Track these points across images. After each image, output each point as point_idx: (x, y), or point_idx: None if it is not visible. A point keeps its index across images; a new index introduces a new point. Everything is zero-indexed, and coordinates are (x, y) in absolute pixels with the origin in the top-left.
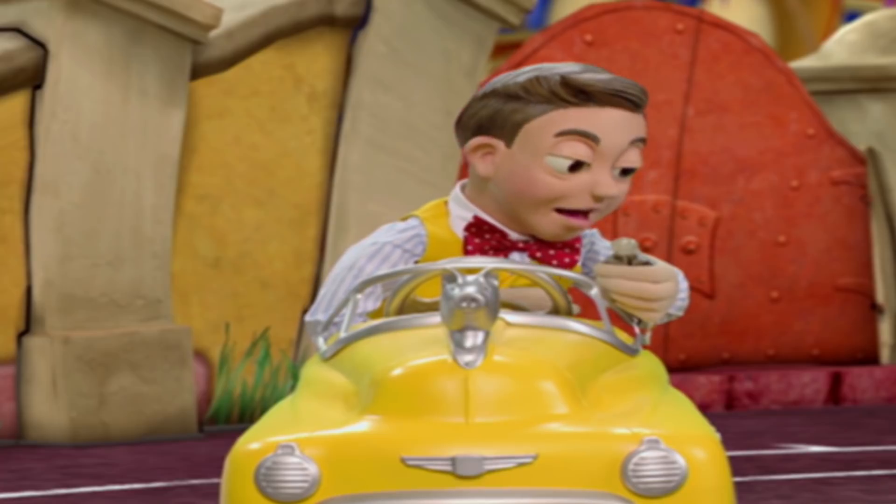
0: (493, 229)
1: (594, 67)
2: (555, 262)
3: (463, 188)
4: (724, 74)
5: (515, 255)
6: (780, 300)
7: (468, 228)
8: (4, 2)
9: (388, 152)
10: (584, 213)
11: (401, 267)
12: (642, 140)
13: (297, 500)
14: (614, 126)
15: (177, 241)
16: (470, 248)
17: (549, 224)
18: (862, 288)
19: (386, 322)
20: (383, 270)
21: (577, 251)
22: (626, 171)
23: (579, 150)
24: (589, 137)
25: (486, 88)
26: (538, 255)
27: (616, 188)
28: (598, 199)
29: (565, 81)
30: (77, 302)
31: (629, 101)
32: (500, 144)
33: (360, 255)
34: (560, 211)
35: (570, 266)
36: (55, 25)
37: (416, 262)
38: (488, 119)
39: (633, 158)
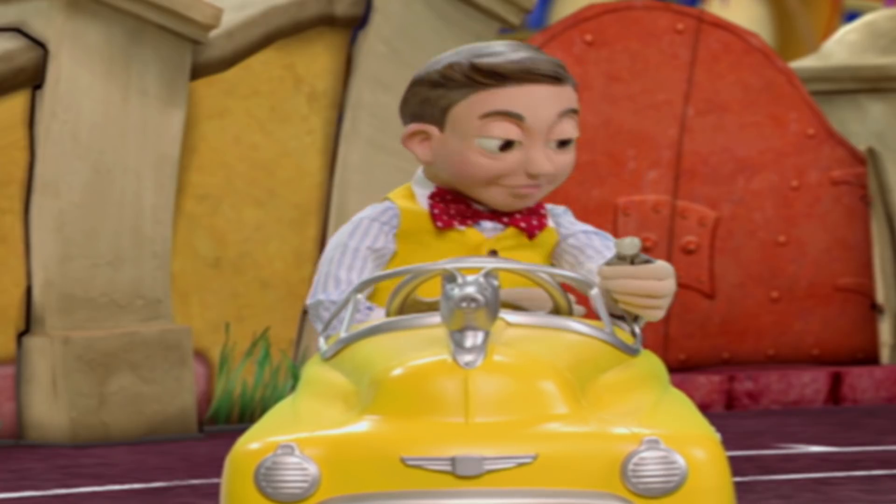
0: (456, 199)
1: (513, 46)
2: (523, 224)
3: (424, 170)
4: (724, 74)
5: (486, 223)
6: (780, 300)
7: (432, 197)
8: (4, 2)
9: (388, 152)
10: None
11: (401, 267)
12: (573, 111)
13: (296, 500)
14: (537, 102)
15: (177, 241)
16: (436, 211)
17: (498, 197)
18: (862, 288)
19: (386, 322)
20: (367, 242)
21: (543, 216)
22: (563, 143)
23: (506, 129)
24: (513, 116)
25: (414, 77)
26: (505, 219)
27: (551, 164)
28: (533, 176)
29: (475, 66)
30: (77, 302)
31: (548, 77)
32: (433, 130)
33: (343, 234)
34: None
35: (539, 229)
36: (55, 25)
37: (395, 234)
38: (419, 106)
39: (566, 130)
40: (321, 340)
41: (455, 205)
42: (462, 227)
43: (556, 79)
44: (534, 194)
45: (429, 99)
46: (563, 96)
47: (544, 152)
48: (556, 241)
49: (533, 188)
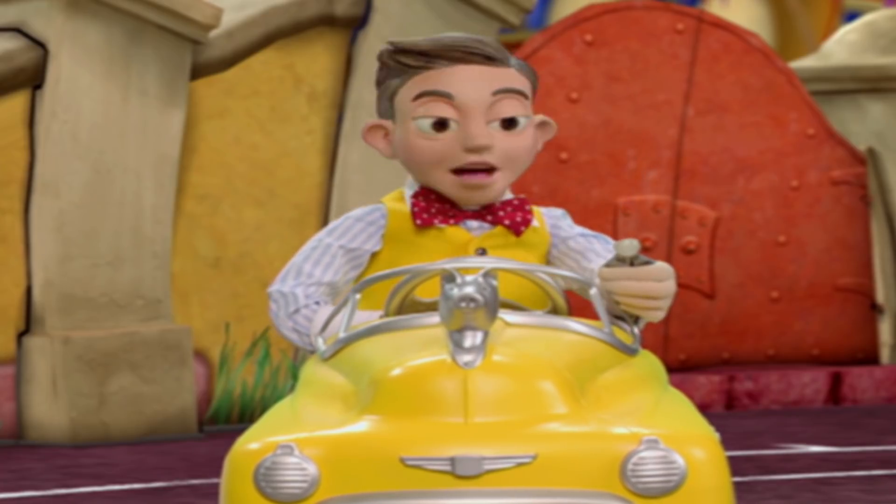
0: (440, 198)
1: (452, 33)
2: (507, 221)
3: None
4: (724, 74)
5: (471, 222)
6: (780, 300)
7: (414, 196)
8: (4, 2)
9: None
10: (483, 171)
11: (400, 267)
12: (513, 91)
13: (296, 500)
14: (465, 80)
15: (177, 241)
16: (416, 209)
17: (451, 187)
18: (862, 288)
19: (385, 322)
20: (342, 241)
21: (528, 212)
22: (509, 124)
23: (437, 108)
24: (441, 95)
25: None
26: (489, 217)
27: (490, 138)
28: (472, 150)
29: (397, 48)
30: (77, 302)
31: (478, 56)
32: (388, 123)
33: (325, 229)
34: (455, 173)
35: (524, 224)
36: (55, 25)
37: (382, 235)
38: (378, 104)
39: (506, 109)
40: (283, 331)
41: (439, 203)
42: (442, 225)
43: (488, 58)
44: (488, 183)
45: (380, 94)
46: (500, 76)
47: (483, 129)
48: (549, 243)
49: (482, 174)
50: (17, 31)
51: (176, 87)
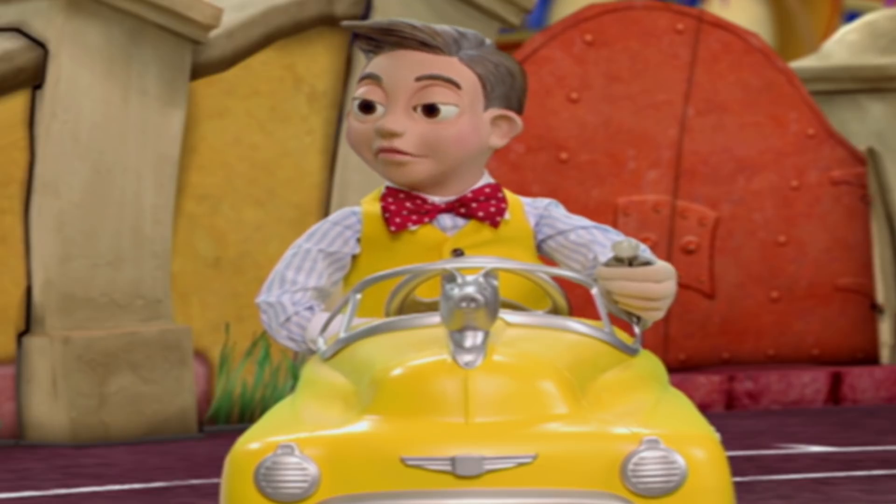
0: (409, 195)
1: (395, 18)
2: (481, 213)
3: None
4: (724, 74)
5: (445, 218)
6: (780, 300)
7: (383, 198)
8: (4, 2)
9: None
10: (405, 152)
11: (401, 267)
12: (438, 78)
13: (296, 500)
14: (393, 65)
15: (177, 241)
16: (387, 215)
17: (378, 167)
18: (862, 288)
19: (386, 322)
20: (321, 245)
21: (501, 199)
22: (430, 111)
23: (367, 91)
24: (371, 78)
25: None
26: (462, 210)
27: (400, 124)
28: (384, 134)
29: (355, 34)
30: (77, 302)
31: (412, 41)
32: None
33: (303, 236)
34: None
35: (497, 215)
36: (55, 25)
37: (358, 239)
38: None
39: (427, 95)
40: (279, 339)
41: (409, 200)
42: (415, 227)
43: (422, 44)
44: (402, 161)
45: None
46: (431, 63)
47: (398, 115)
48: (532, 236)
49: (395, 153)
50: (17, 31)
51: (176, 87)
